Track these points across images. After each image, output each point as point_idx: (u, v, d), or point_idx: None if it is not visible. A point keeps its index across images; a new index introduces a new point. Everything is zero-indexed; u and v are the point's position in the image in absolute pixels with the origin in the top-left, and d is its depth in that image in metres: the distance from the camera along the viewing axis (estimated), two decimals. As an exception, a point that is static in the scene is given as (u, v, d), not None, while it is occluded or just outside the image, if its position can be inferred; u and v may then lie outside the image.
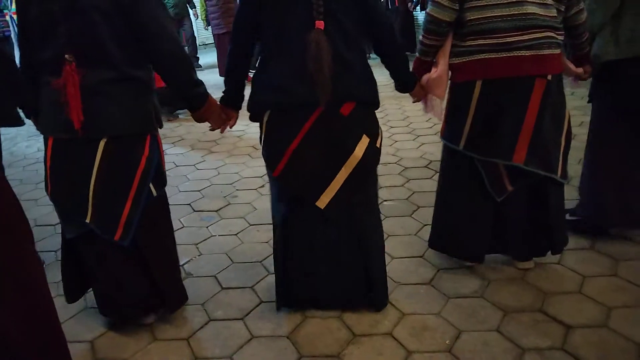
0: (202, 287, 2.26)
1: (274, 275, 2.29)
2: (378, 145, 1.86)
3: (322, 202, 1.81)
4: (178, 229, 2.35)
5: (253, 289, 2.21)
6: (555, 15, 1.85)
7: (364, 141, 1.79)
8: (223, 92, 1.95)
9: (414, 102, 2.12)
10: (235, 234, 2.75)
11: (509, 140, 1.89)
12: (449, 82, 2.00)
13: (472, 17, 1.82)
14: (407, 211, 2.85)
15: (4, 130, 5.64)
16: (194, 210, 3.12)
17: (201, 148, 4.44)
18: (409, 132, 4.40)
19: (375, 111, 1.88)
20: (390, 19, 1.98)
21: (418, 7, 8.21)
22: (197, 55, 9.16)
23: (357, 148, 1.78)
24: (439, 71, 1.95)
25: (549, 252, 2.12)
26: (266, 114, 1.80)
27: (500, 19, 1.79)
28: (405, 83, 1.99)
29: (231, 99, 1.93)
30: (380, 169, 1.98)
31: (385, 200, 2.99)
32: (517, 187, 1.98)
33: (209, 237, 2.74)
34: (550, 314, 1.88)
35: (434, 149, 3.80)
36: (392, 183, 3.24)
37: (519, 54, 1.79)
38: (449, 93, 2.03)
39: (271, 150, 1.82)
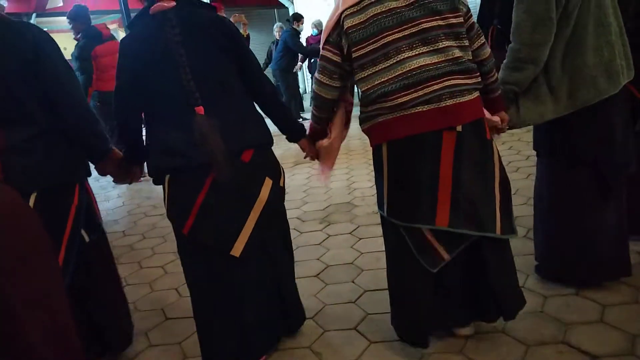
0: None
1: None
2: (281, 184, 1.96)
3: (237, 249, 1.80)
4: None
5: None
6: (457, 56, 1.68)
7: (268, 183, 1.85)
8: (123, 150, 2.00)
9: (305, 157, 2.16)
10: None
11: (428, 201, 1.71)
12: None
13: (363, 89, 1.75)
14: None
15: None
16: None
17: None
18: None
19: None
20: (264, 75, 2.02)
21: None
22: None
23: (262, 191, 1.83)
24: (331, 141, 2.00)
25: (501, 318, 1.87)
26: (167, 177, 1.83)
27: (387, 83, 1.68)
28: (290, 132, 2.05)
29: (130, 158, 2.00)
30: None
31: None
32: (454, 254, 1.74)
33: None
34: (574, 344, 1.83)
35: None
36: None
37: (416, 111, 1.68)
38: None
39: (178, 209, 1.83)
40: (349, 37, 1.71)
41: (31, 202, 1.75)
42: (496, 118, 1.93)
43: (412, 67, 1.66)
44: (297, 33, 7.89)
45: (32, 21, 9.30)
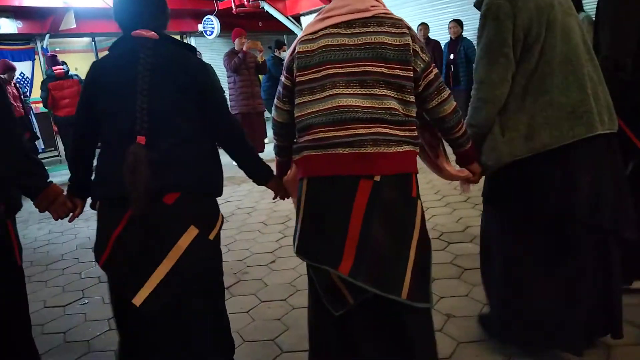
0: (213, 367, 2.17)
1: (287, 353, 2.23)
2: (212, 237, 1.76)
3: (139, 298, 1.63)
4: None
5: (266, 369, 2.13)
6: (392, 107, 1.59)
7: (191, 232, 1.68)
8: (69, 180, 1.91)
9: (274, 198, 2.09)
10: (247, 312, 2.69)
11: (336, 245, 1.60)
12: None
13: (297, 115, 1.71)
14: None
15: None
16: (205, 288, 3.07)
17: (211, 226, 4.45)
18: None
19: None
20: (233, 116, 1.92)
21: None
22: None
23: (181, 239, 1.67)
24: (293, 172, 1.92)
25: None
26: (97, 204, 1.78)
27: (316, 115, 1.63)
28: (256, 175, 1.98)
29: (77, 188, 1.90)
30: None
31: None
32: (359, 300, 1.61)
33: (219, 316, 2.67)
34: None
35: (444, 220, 3.80)
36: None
37: (337, 152, 1.59)
38: None
39: (98, 239, 1.74)
40: (297, 62, 1.70)
41: None
42: (465, 172, 1.89)
43: (342, 104, 1.60)
44: (280, 60, 7.85)
45: (45, 42, 9.48)
